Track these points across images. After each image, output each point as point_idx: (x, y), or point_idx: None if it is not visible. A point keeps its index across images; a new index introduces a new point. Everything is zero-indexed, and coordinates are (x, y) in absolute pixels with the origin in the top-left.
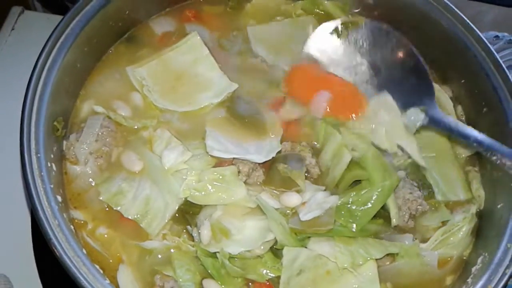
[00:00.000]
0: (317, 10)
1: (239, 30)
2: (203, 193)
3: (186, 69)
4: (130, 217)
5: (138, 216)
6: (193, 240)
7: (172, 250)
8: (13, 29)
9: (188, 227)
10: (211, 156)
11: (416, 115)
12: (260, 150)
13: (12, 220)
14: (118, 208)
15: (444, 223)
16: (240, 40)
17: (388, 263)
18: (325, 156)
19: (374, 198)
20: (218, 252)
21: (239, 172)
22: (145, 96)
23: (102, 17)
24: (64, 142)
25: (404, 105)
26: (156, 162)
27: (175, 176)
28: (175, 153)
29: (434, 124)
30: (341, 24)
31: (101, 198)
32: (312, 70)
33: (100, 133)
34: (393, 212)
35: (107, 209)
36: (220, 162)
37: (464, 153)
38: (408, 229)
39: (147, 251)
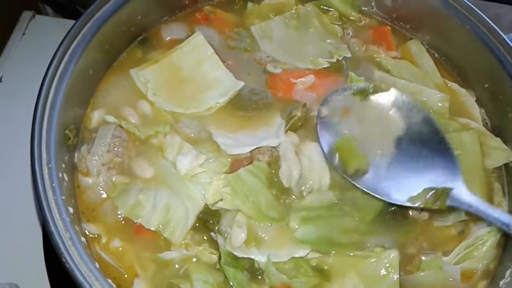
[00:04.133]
0: (325, 7)
1: (246, 30)
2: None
3: (190, 69)
4: (152, 228)
5: (160, 226)
6: (215, 249)
7: (194, 259)
8: (24, 34)
9: (212, 233)
10: (229, 154)
11: None
12: (270, 134)
13: (23, 229)
14: (139, 220)
15: (464, 234)
16: (247, 39)
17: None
18: None
19: None
20: (244, 257)
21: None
22: (151, 102)
23: (115, 22)
24: (76, 154)
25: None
26: (170, 169)
27: (192, 181)
28: (188, 158)
29: (457, 204)
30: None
31: (119, 212)
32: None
33: (111, 144)
34: None
35: (123, 222)
36: (236, 161)
37: (491, 164)
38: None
39: (164, 264)
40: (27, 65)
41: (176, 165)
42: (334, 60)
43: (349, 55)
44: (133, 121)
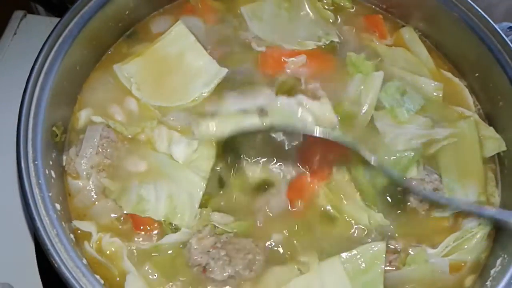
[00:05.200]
0: None
1: (234, 15)
2: None
3: (173, 60)
4: (162, 219)
5: (169, 215)
6: None
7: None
8: (15, 33)
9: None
10: None
11: None
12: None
13: (15, 228)
14: (147, 214)
15: (454, 228)
16: (234, 19)
17: (394, 268)
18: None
19: None
20: None
21: None
22: (137, 98)
23: (102, 18)
24: (64, 157)
25: None
26: (163, 159)
27: (189, 167)
28: (182, 146)
29: None
30: None
31: (125, 212)
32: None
33: (100, 145)
34: None
35: (115, 221)
36: None
37: (484, 154)
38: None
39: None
40: (19, 64)
41: (173, 155)
42: (321, 43)
43: (336, 39)
44: (119, 119)
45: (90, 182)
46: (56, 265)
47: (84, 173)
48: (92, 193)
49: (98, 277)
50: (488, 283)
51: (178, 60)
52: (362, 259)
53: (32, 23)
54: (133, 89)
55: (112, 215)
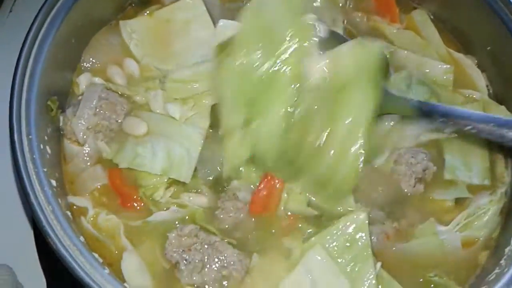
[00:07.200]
0: None
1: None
2: None
3: (180, 25)
4: (159, 173)
5: (165, 169)
6: None
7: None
8: (11, 11)
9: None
10: None
11: None
12: None
13: (13, 210)
14: (144, 169)
15: (463, 204)
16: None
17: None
18: None
19: None
20: None
21: None
22: (137, 59)
23: None
24: (61, 118)
25: None
26: (161, 118)
27: (186, 124)
28: (178, 104)
29: None
30: None
31: (121, 166)
32: None
33: (98, 107)
34: None
35: (102, 196)
36: None
37: None
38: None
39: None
40: (14, 42)
41: (169, 111)
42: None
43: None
44: (119, 82)
45: (86, 145)
46: (52, 242)
47: (81, 133)
48: (87, 158)
49: (96, 255)
50: (502, 261)
51: (183, 27)
52: (345, 235)
53: (28, 0)
54: (132, 45)
55: (97, 184)
